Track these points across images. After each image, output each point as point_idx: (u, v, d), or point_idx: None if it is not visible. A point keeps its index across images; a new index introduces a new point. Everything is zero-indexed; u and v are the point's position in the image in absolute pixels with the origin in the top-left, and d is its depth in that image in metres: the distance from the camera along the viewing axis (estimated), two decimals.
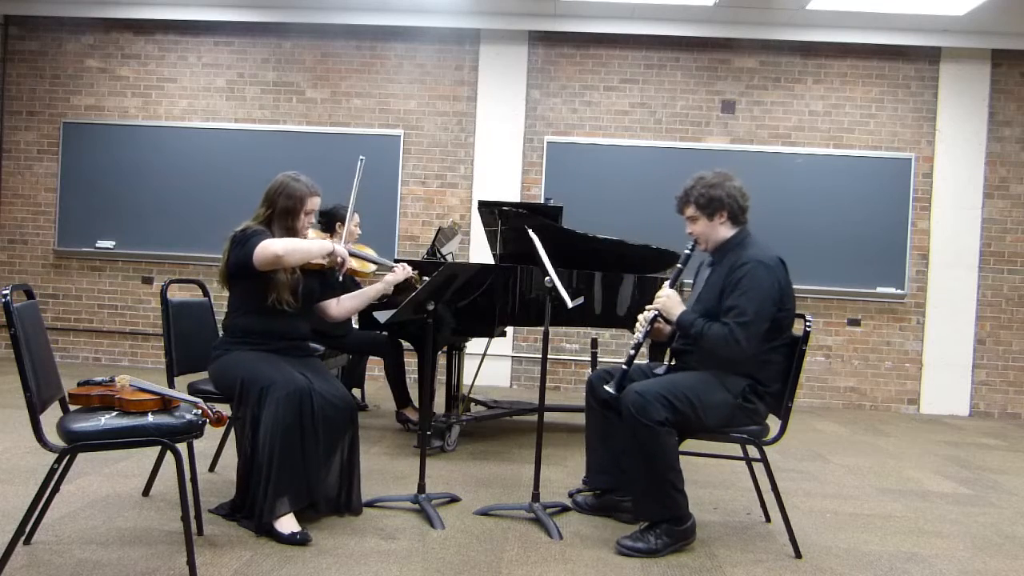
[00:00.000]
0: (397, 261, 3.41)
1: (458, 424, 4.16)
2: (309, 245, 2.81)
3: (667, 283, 2.89)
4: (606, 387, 2.86)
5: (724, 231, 2.84)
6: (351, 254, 3.09)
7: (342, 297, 3.12)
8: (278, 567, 2.42)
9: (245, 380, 2.72)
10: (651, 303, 2.89)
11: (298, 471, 2.66)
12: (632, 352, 2.85)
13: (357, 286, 3.18)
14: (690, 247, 2.91)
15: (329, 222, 4.45)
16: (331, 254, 2.86)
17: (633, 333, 2.94)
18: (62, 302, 6.92)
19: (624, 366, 2.86)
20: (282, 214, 2.88)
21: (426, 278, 3.26)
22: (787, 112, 6.60)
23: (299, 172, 2.96)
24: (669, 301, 2.82)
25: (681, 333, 2.85)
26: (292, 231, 2.90)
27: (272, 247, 2.72)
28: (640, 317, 2.89)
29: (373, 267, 3.19)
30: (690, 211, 2.86)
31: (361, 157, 3.19)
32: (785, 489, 3.03)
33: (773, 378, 2.74)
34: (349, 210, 3.16)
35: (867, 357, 6.55)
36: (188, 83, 6.87)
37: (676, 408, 2.63)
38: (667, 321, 2.86)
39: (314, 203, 2.94)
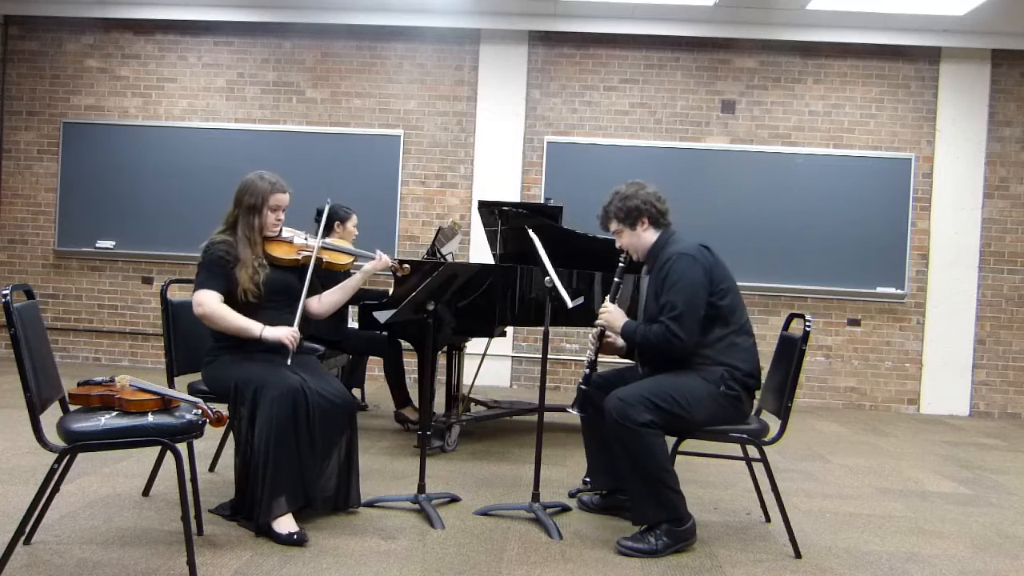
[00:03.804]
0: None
1: (458, 424, 4.16)
2: (235, 324, 2.76)
3: (607, 298, 2.95)
4: (569, 409, 2.95)
5: (648, 237, 2.92)
6: (325, 247, 3.07)
7: (323, 293, 3.10)
8: (278, 567, 2.42)
9: (238, 383, 2.72)
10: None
11: (294, 471, 2.66)
12: (587, 371, 2.93)
13: (338, 281, 3.16)
14: (623, 260, 2.98)
15: (328, 222, 4.43)
16: (259, 339, 2.79)
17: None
18: (62, 302, 6.92)
19: (581, 385, 2.93)
20: (246, 212, 2.90)
21: (407, 266, 3.24)
22: (787, 112, 6.60)
23: (267, 171, 2.97)
24: (611, 315, 2.90)
25: (628, 343, 2.91)
26: (256, 228, 2.90)
27: (196, 308, 2.77)
28: (590, 335, 2.97)
29: (349, 258, 3.16)
30: (613, 226, 2.96)
31: (328, 201, 3.19)
32: (785, 489, 3.04)
33: (745, 360, 2.76)
34: (319, 231, 3.13)
35: (867, 357, 6.55)
36: (188, 83, 6.87)
37: (661, 408, 2.64)
38: (616, 334, 2.92)
39: (279, 199, 2.92)
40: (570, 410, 2.93)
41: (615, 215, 2.92)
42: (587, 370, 2.92)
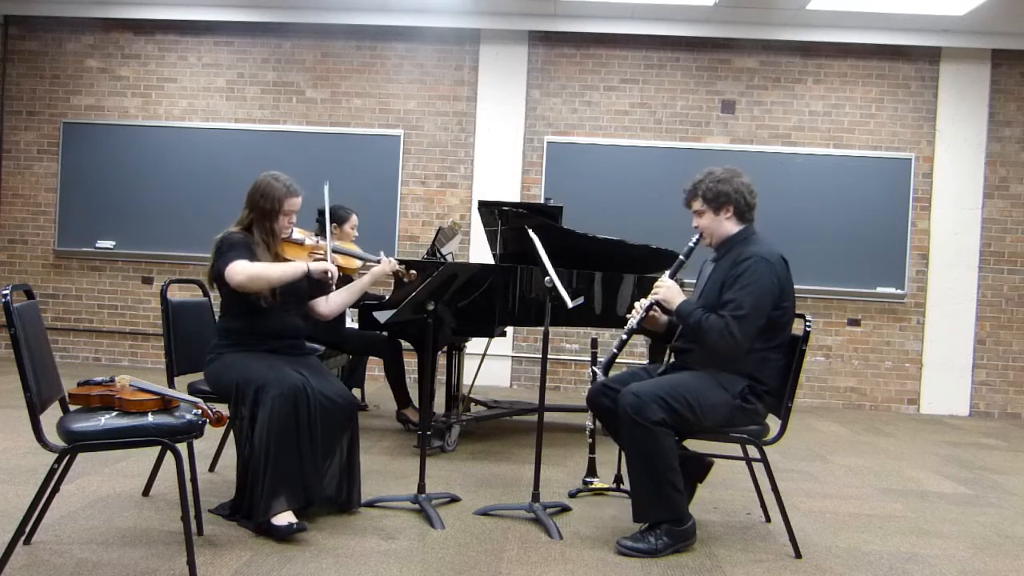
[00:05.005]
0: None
1: (458, 424, 4.15)
2: (281, 270, 2.78)
3: (667, 273, 2.89)
4: (593, 368, 2.87)
5: (729, 226, 2.85)
6: (335, 250, 3.08)
7: (331, 294, 3.11)
8: (278, 567, 2.42)
9: (240, 382, 2.72)
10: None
11: (294, 470, 2.66)
12: (624, 337, 2.87)
13: (346, 282, 3.17)
14: (694, 240, 2.92)
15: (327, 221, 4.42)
16: (307, 274, 2.83)
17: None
18: (62, 302, 6.92)
19: (614, 349, 2.88)
20: (261, 216, 2.89)
21: (413, 272, 3.25)
22: (787, 112, 6.60)
23: (280, 172, 2.96)
24: (669, 291, 2.82)
25: (678, 322, 2.86)
26: (272, 233, 2.90)
27: (237, 276, 2.72)
28: (636, 304, 2.91)
29: (359, 262, 3.18)
30: (697, 204, 2.88)
31: (326, 183, 3.19)
32: (785, 489, 3.03)
33: (772, 377, 2.74)
34: (327, 231, 3.16)
35: (867, 357, 6.55)
36: (188, 83, 6.87)
37: (674, 409, 2.63)
38: (665, 311, 2.87)
39: (293, 203, 2.92)
40: (594, 369, 2.90)
41: (703, 195, 2.84)
42: (625, 336, 2.86)
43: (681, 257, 2.92)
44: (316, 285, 2.99)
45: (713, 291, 2.77)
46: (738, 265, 2.71)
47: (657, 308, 2.89)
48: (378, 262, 3.16)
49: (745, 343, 2.66)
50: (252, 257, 2.80)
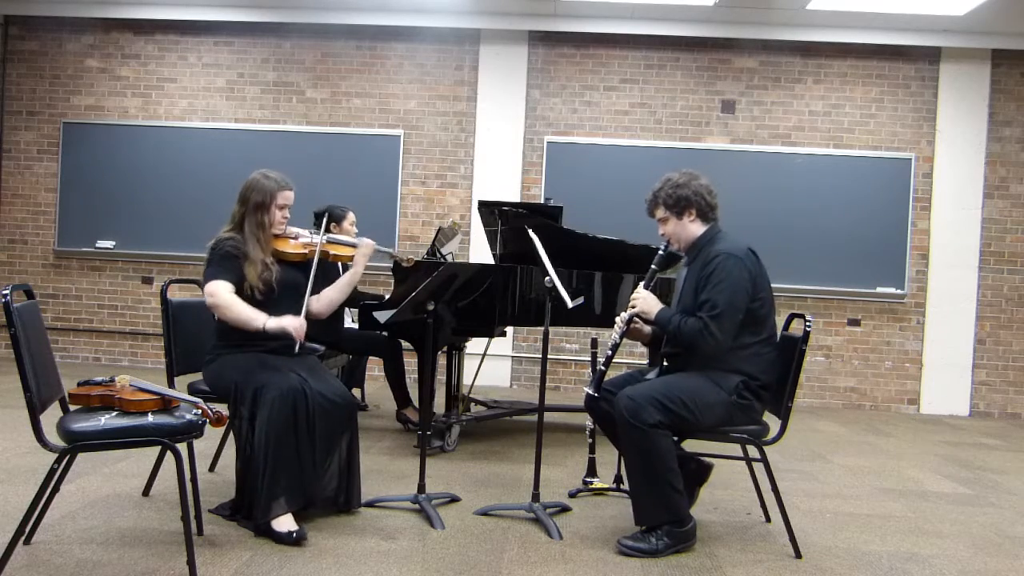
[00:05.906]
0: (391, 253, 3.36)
1: (458, 424, 4.15)
2: (245, 315, 2.76)
3: (641, 284, 2.92)
4: (585, 388, 2.91)
5: (694, 229, 2.88)
6: (330, 240, 3.08)
7: (322, 292, 3.08)
8: (278, 567, 2.42)
9: (239, 383, 2.72)
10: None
11: (293, 472, 2.66)
12: (609, 353, 2.91)
13: (346, 270, 3.17)
14: (663, 248, 2.95)
15: (325, 222, 4.41)
16: (263, 330, 2.78)
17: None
18: (62, 302, 6.92)
19: (602, 367, 2.92)
20: (253, 210, 2.90)
21: (411, 256, 3.22)
22: (787, 112, 6.60)
23: (271, 169, 2.98)
24: (646, 302, 2.86)
25: (659, 331, 2.88)
26: (263, 226, 2.90)
27: (208, 298, 2.79)
28: (617, 318, 2.94)
29: (352, 250, 3.17)
30: (660, 212, 2.92)
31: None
32: (785, 489, 3.04)
33: (765, 371, 2.75)
34: (322, 228, 3.15)
35: (867, 357, 6.55)
36: (188, 83, 6.87)
37: (670, 410, 2.63)
38: (646, 321, 2.89)
39: (285, 197, 2.94)
40: (586, 389, 2.92)
41: (664, 202, 2.87)
42: (610, 352, 2.90)
43: (653, 266, 2.95)
44: (319, 275, 2.98)
45: (689, 294, 2.80)
46: (707, 265, 2.74)
47: (638, 319, 2.91)
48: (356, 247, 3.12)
49: (727, 341, 2.68)
50: (237, 272, 2.81)
